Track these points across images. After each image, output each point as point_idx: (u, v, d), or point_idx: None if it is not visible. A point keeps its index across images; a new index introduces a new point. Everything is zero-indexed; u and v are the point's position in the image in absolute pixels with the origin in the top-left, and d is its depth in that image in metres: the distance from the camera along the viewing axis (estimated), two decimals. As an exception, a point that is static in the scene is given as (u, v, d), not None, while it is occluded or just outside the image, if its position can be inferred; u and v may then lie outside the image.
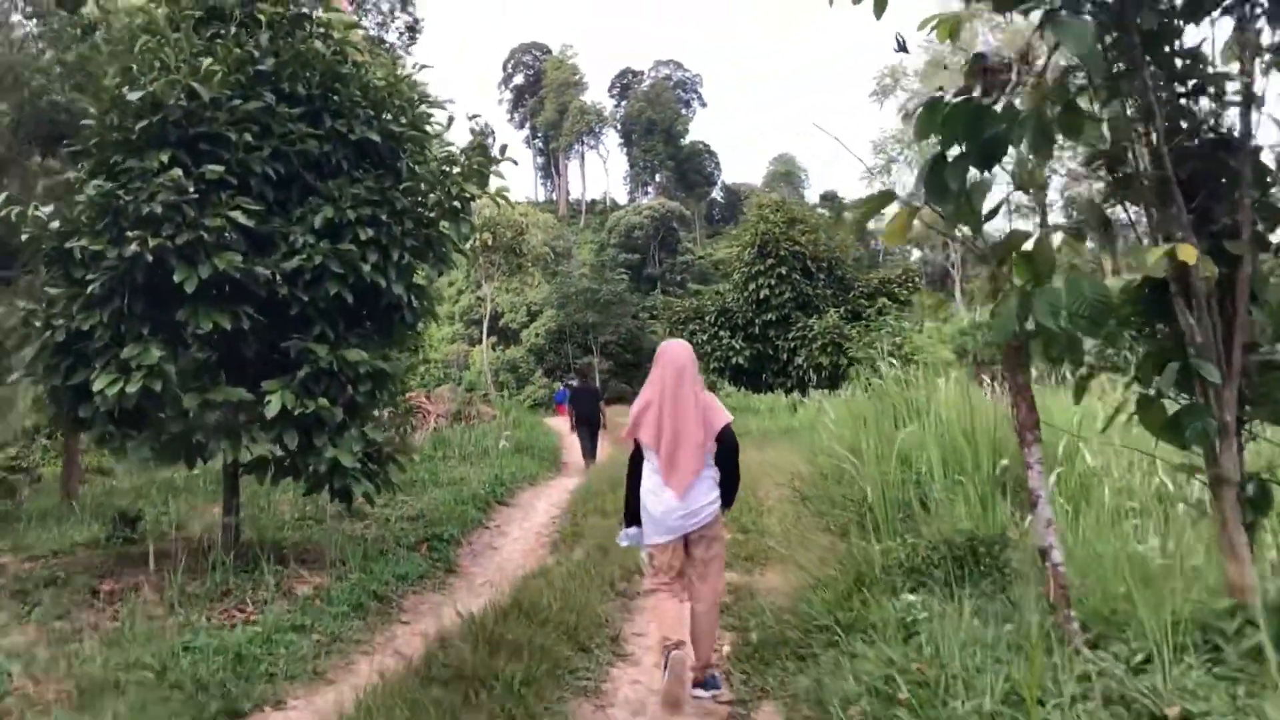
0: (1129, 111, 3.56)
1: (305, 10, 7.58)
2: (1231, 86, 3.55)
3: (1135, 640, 3.52)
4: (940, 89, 3.54)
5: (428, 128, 7.90)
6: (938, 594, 4.99)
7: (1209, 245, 3.41)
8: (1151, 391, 3.73)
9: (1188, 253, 3.11)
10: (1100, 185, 4.33)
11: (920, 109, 3.63)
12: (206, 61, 6.83)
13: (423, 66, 7.99)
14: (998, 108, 3.48)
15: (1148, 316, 3.78)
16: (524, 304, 58.05)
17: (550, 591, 6.17)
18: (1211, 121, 3.64)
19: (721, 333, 24.12)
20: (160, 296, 6.76)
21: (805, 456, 10.25)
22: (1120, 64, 3.41)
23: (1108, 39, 3.38)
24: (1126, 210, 3.88)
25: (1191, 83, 3.59)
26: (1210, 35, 3.55)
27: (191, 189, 6.62)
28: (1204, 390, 3.51)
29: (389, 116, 7.64)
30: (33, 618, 6.12)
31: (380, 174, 7.45)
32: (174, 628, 5.87)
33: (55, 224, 6.80)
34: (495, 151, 7.91)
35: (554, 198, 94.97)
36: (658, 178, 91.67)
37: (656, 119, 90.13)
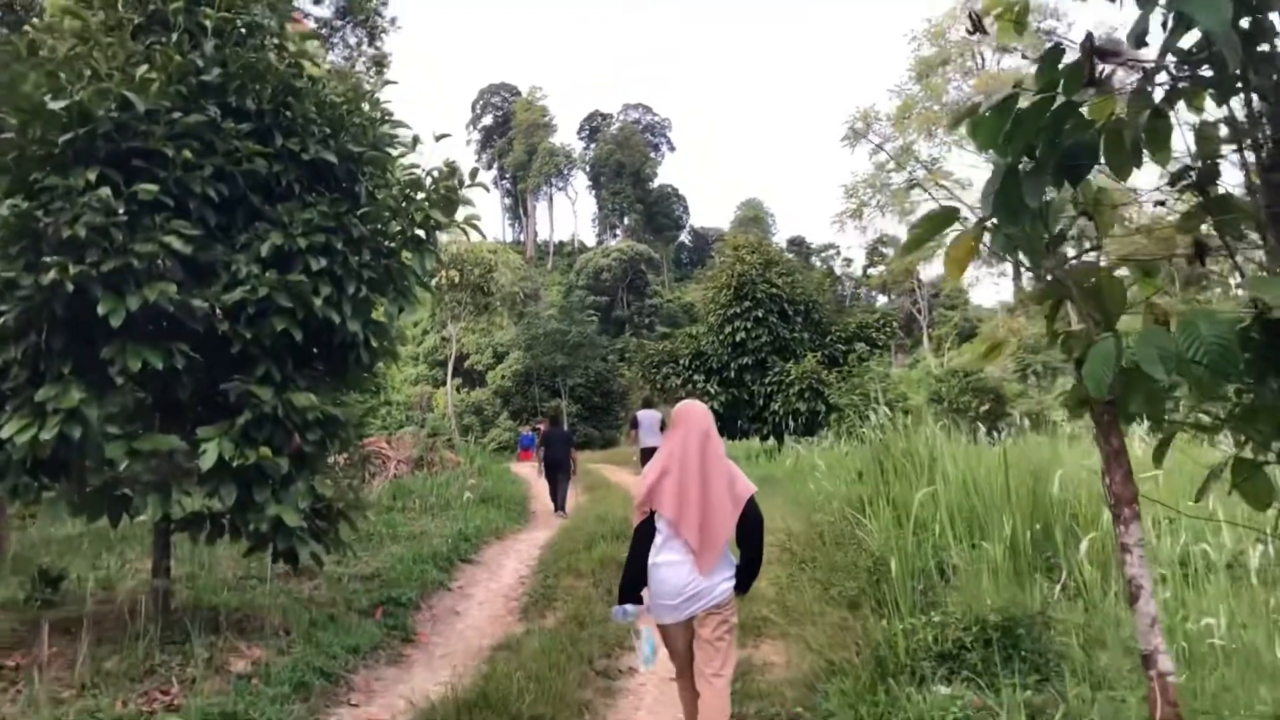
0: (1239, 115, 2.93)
1: (258, 19, 6.87)
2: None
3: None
4: (1018, 85, 2.90)
5: (390, 149, 7.19)
6: (974, 685, 4.31)
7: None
8: (1259, 456, 3.08)
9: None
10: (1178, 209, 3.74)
11: (987, 110, 2.99)
12: (142, 69, 6.11)
13: (387, 83, 7.30)
14: (1084, 110, 2.86)
15: (1262, 364, 3.14)
16: (490, 345, 57.33)
17: (521, 675, 5.37)
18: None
19: (696, 376, 23.41)
20: (83, 331, 5.97)
21: (793, 510, 9.54)
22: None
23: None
24: (1225, 241, 3.25)
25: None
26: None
27: (121, 210, 5.83)
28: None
29: (347, 136, 6.93)
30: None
31: (336, 198, 6.72)
32: (80, 715, 5.03)
33: (-38, 249, 5.98)
34: (466, 176, 7.20)
35: (522, 239, 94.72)
36: (626, 220, 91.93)
37: (625, 162, 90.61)
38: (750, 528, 4.17)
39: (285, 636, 6.64)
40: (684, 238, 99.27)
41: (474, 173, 7.25)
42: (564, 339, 48.43)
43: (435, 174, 7.27)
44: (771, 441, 18.88)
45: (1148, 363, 2.73)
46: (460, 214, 7.27)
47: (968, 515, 6.34)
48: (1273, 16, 2.67)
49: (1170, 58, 2.85)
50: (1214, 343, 2.71)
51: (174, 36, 6.54)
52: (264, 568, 8.87)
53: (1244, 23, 2.65)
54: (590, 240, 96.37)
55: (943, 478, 6.50)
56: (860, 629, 5.21)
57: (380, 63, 40.77)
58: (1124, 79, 2.91)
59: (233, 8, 6.71)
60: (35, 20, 7.32)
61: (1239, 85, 2.82)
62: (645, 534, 4.16)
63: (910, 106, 37.28)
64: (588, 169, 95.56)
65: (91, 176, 5.87)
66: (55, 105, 5.94)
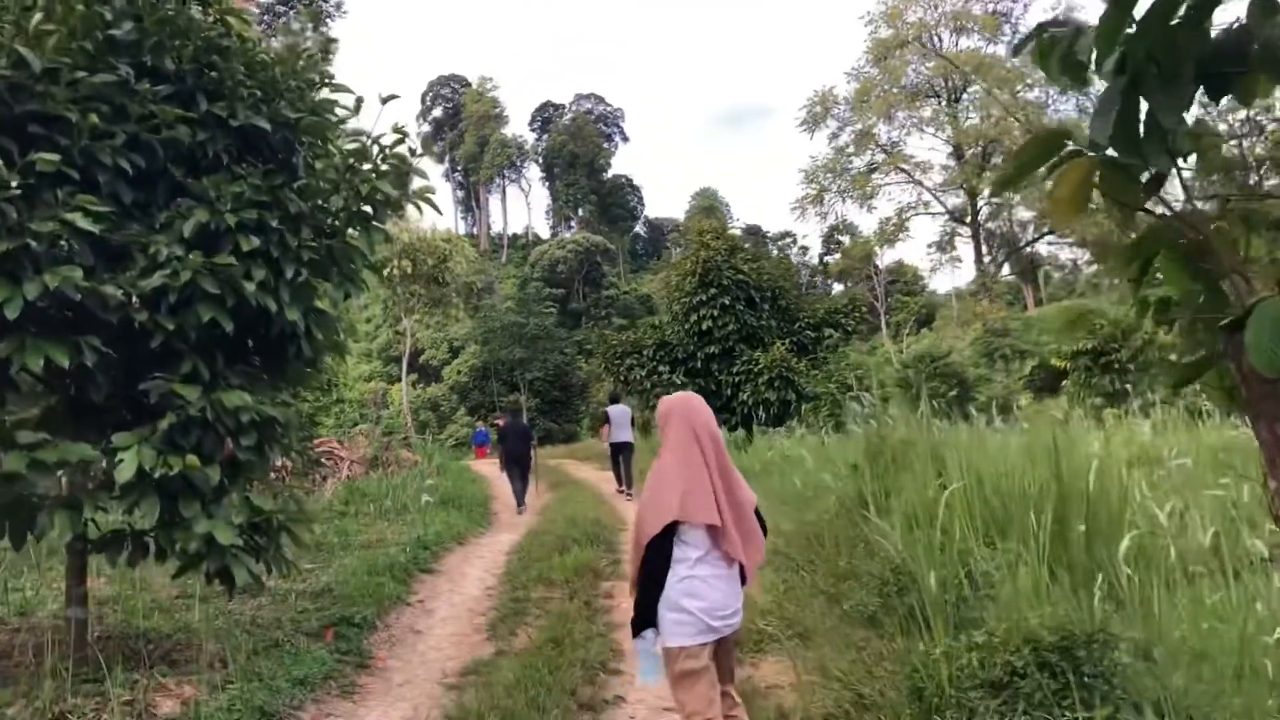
0: None
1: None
2: None
3: None
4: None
5: (331, 115, 6.38)
6: (1034, 720, 3.68)
7: None
8: None
9: None
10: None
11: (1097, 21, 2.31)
12: (36, 19, 5.24)
13: (330, 41, 6.48)
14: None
15: None
16: (446, 339, 56.30)
17: (495, 717, 4.63)
18: None
19: (661, 367, 22.66)
20: (-28, 325, 5.10)
21: (779, 507, 8.86)
22: None
23: None
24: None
25: None
26: None
27: (15, 184, 4.97)
28: None
29: (282, 101, 6.11)
30: None
31: (270, 170, 5.89)
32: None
33: None
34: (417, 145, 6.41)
35: (475, 232, 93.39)
36: (580, 211, 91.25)
37: (579, 152, 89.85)
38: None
39: (222, 669, 5.84)
40: (639, 229, 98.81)
41: (424, 143, 6.46)
42: (522, 331, 47.66)
43: (383, 142, 6.47)
44: (741, 433, 18.23)
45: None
46: (414, 184, 6.49)
47: (989, 513, 5.72)
48: None
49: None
50: None
51: (79, -15, 5.67)
52: (202, 585, 8.01)
53: None
54: (545, 232, 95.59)
55: (960, 469, 5.84)
56: (886, 651, 4.55)
57: (326, 50, 39.64)
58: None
59: (147, -48, 5.86)
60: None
61: None
62: (665, 549, 3.64)
63: (869, 89, 36.95)
64: (540, 160, 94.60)
65: (-23, 145, 5.02)
66: (-68, 62, 5.06)
